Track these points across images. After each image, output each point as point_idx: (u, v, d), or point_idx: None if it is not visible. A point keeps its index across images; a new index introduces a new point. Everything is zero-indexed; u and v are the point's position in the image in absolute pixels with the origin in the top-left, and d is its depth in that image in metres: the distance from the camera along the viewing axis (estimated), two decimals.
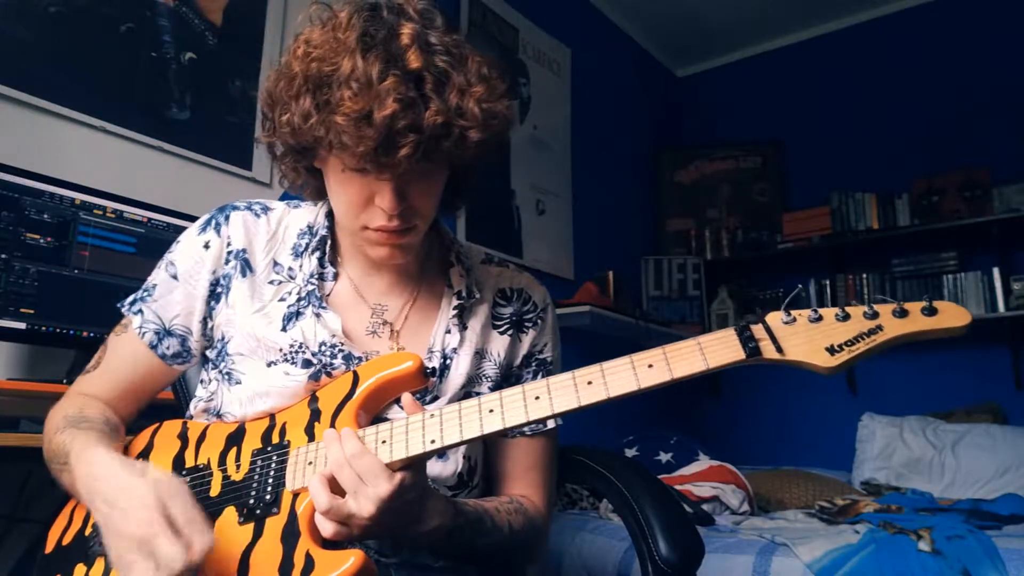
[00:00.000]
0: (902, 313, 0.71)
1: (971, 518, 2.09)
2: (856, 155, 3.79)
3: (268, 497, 0.82)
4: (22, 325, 1.42)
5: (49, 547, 0.91)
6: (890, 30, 3.86)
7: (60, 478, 0.89)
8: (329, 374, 0.90)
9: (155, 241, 1.61)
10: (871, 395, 3.45)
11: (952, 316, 0.70)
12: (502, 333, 1.02)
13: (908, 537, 1.80)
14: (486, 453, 1.02)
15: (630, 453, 2.86)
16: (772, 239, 3.86)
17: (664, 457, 2.83)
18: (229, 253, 0.96)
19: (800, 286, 3.71)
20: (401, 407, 0.88)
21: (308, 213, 1.01)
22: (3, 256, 1.40)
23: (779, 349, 0.72)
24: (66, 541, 0.90)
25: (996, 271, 3.25)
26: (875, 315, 0.72)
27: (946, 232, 3.34)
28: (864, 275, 3.56)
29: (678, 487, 2.40)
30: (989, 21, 3.55)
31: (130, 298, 0.99)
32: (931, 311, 0.70)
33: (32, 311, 1.43)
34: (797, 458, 3.30)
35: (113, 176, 1.76)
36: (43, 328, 1.44)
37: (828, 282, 3.65)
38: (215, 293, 0.96)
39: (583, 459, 1.16)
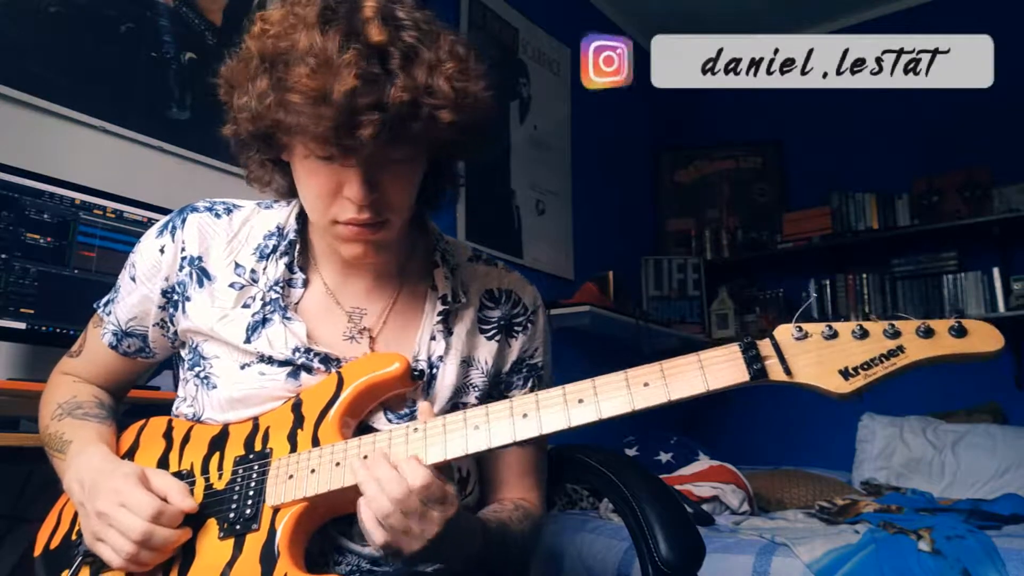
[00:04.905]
0: (927, 332, 0.63)
1: (971, 518, 2.09)
2: (856, 155, 3.78)
3: (248, 512, 0.80)
4: (22, 325, 1.42)
5: (38, 550, 0.91)
6: (890, 30, 3.84)
7: (52, 462, 0.91)
8: (309, 371, 0.87)
9: None
10: (871, 395, 3.32)
11: (983, 339, 0.62)
12: (489, 338, 0.96)
13: (908, 537, 1.80)
14: (477, 459, 0.98)
15: (630, 453, 2.85)
16: (772, 239, 3.85)
17: (664, 457, 2.83)
18: (183, 260, 0.92)
19: (816, 295, 3.68)
20: (388, 415, 0.87)
21: (278, 214, 0.95)
22: (3, 256, 1.39)
23: (787, 370, 0.68)
24: (54, 544, 0.90)
25: (996, 271, 3.25)
26: (896, 334, 0.64)
27: (946, 232, 3.34)
28: (864, 275, 3.55)
29: (678, 487, 2.40)
30: (988, 21, 3.54)
31: (105, 298, 0.99)
32: (960, 332, 0.62)
33: (32, 311, 1.42)
34: (797, 458, 3.29)
35: (113, 176, 1.76)
36: (43, 328, 1.44)
37: (828, 282, 3.64)
38: (172, 300, 0.93)
39: (583, 458, 1.15)
